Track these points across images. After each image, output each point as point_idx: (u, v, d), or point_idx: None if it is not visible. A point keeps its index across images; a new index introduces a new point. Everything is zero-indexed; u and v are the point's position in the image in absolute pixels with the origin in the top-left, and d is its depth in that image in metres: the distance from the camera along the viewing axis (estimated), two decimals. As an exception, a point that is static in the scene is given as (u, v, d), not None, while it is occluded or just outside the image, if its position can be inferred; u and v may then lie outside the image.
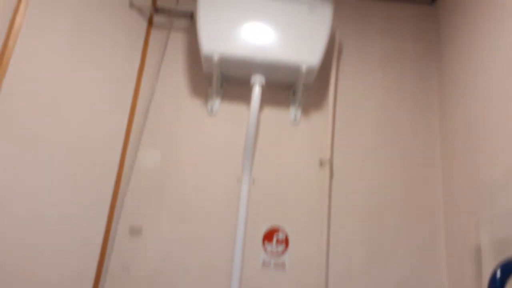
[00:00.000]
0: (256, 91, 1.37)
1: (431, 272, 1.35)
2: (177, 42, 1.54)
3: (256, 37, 1.35)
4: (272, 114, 1.49)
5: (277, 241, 1.35)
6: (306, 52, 1.36)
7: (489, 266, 1.09)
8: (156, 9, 1.49)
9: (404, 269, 1.35)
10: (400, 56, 1.59)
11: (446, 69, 1.50)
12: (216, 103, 1.47)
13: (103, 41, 1.35)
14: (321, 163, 1.44)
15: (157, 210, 1.35)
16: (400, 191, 1.43)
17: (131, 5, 1.45)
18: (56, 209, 1.18)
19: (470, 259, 1.21)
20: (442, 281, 1.34)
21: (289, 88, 1.51)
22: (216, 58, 1.33)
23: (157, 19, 1.55)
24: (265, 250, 1.34)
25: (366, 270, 1.34)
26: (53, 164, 1.17)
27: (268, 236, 1.35)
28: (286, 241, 1.35)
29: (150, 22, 1.53)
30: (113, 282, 1.26)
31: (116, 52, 1.39)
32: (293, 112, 1.49)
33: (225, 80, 1.49)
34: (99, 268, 1.25)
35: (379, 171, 1.45)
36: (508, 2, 1.16)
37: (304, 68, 1.35)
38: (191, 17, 1.51)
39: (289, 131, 1.48)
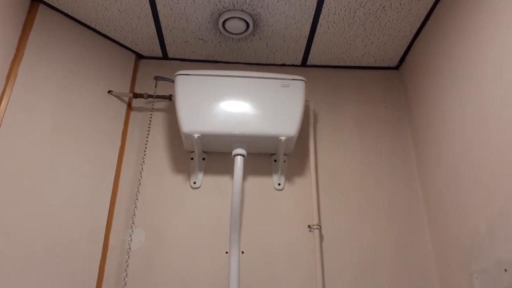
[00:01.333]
0: (239, 163, 1.40)
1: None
2: (157, 122, 1.59)
3: (234, 114, 1.40)
4: (256, 182, 1.51)
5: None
6: (283, 124, 1.42)
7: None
8: (135, 95, 1.56)
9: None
10: (373, 119, 1.67)
11: (418, 127, 1.57)
12: (199, 177, 1.49)
13: (84, 126, 1.39)
14: (310, 227, 1.44)
15: (146, 293, 1.30)
16: (389, 248, 1.43)
17: (110, 92, 1.52)
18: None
19: (469, 314, 1.18)
20: None
21: (270, 155, 1.56)
22: (196, 137, 1.37)
23: (136, 102, 1.62)
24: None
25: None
26: (36, 253, 1.15)
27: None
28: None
29: (130, 106, 1.59)
30: None
31: (97, 136, 1.43)
32: (277, 178, 1.52)
33: (206, 154, 1.53)
34: None
35: (367, 230, 1.46)
36: (461, 59, 1.27)
37: (283, 139, 1.40)
38: (169, 99, 1.58)
39: (274, 197, 1.49)
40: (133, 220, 1.39)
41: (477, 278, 1.14)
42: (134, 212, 1.41)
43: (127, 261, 1.33)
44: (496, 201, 1.07)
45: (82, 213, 1.31)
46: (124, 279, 1.29)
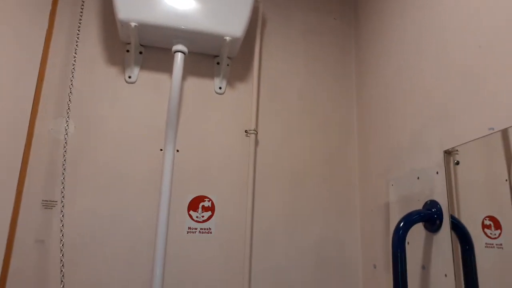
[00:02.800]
0: (178, 60, 1.33)
1: (347, 230, 1.47)
2: (90, 6, 1.44)
3: (177, 5, 1.30)
4: (196, 84, 1.47)
5: (203, 208, 1.36)
6: (229, 23, 1.34)
7: (396, 220, 1.20)
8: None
9: (323, 229, 1.45)
10: (321, 30, 1.65)
11: (363, 40, 1.59)
12: (135, 71, 1.41)
13: (5, 2, 1.22)
14: (247, 132, 1.46)
15: (74, 183, 1.27)
16: (320, 157, 1.52)
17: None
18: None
19: (380, 216, 1.33)
20: (356, 237, 1.46)
21: (214, 57, 1.50)
22: (133, 26, 1.26)
23: (68, -20, 1.44)
24: (191, 217, 1.34)
25: (289, 230, 1.42)
26: None
27: (194, 204, 1.36)
28: (212, 208, 1.37)
29: (60, -16, 1.41)
30: (27, 257, 1.18)
31: (20, 15, 1.27)
32: (218, 81, 1.48)
33: (144, 47, 1.43)
34: (9, 243, 1.16)
35: (302, 139, 1.52)
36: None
37: (227, 39, 1.34)
38: (106, -20, 1.42)
39: (214, 100, 1.47)
40: (65, 110, 1.31)
41: (392, 185, 1.26)
42: (65, 102, 1.32)
43: (56, 150, 1.27)
44: (420, 118, 1.14)
45: (2, 94, 1.20)
46: (52, 166, 1.25)
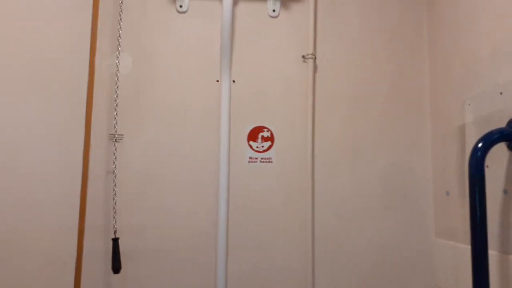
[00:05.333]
0: (228, -19, 1.25)
1: (416, 155, 1.37)
2: None
3: None
4: (248, 7, 1.38)
5: (262, 138, 1.34)
6: None
7: (473, 143, 1.08)
8: None
9: (390, 155, 1.37)
10: None
11: None
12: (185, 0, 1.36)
13: None
14: (304, 57, 1.37)
15: (136, 117, 1.31)
16: (386, 78, 1.40)
17: None
18: (26, 121, 1.15)
19: (454, 139, 1.21)
20: (427, 163, 1.36)
21: (265, -23, 1.39)
22: None
23: None
24: (251, 147, 1.34)
25: (353, 158, 1.36)
26: (16, 77, 1.11)
27: (253, 134, 1.34)
28: (271, 138, 1.34)
29: None
30: (98, 186, 1.27)
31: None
32: (271, 4, 1.38)
33: (193, -27, 1.36)
34: (84, 176, 1.25)
35: (364, 60, 1.40)
36: None
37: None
38: None
39: (268, 25, 1.39)
40: (121, 45, 1.32)
41: (469, 104, 1.12)
42: (120, 36, 1.32)
43: (116, 85, 1.30)
44: (504, 26, 0.97)
45: (61, 30, 1.22)
46: (115, 101, 1.29)
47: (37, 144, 1.17)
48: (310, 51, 1.36)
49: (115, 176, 1.26)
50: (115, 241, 1.21)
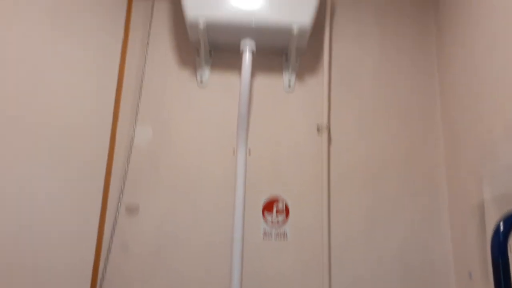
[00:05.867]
0: (247, 57, 1.32)
1: (434, 233, 1.34)
2: (161, 12, 1.48)
3: (243, 0, 1.28)
4: (265, 81, 1.44)
5: (277, 211, 1.33)
6: (296, 12, 1.31)
7: (493, 221, 1.07)
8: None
9: (407, 231, 1.34)
10: (396, 13, 1.53)
11: (445, 21, 1.44)
12: (206, 73, 1.42)
13: (83, 15, 1.29)
14: (319, 129, 1.40)
15: (153, 187, 1.32)
16: (400, 152, 1.40)
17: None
18: (46, 193, 1.16)
19: (473, 217, 1.19)
20: (446, 241, 1.33)
21: (282, 53, 1.46)
22: (201, 24, 1.27)
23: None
24: (266, 220, 1.32)
25: (368, 234, 1.33)
26: (39, 147, 1.14)
27: (268, 206, 1.33)
28: (286, 211, 1.33)
29: (131, -5, 1.46)
30: (114, 261, 1.25)
31: (98, 27, 1.33)
32: (287, 78, 1.44)
33: (213, 48, 1.43)
34: (98, 248, 1.24)
35: (378, 133, 1.42)
36: None
37: (295, 28, 1.29)
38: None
39: (283, 98, 1.43)
40: (143, 116, 1.37)
41: (486, 182, 1.12)
42: (143, 108, 1.37)
43: (133, 155, 1.33)
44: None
45: (86, 104, 1.27)
46: (127, 171, 1.31)
47: (53, 215, 1.17)
48: (325, 123, 1.39)
49: (128, 248, 1.25)
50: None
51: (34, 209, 1.13)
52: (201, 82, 1.42)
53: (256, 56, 1.43)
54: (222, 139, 1.38)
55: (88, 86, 1.29)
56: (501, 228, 0.90)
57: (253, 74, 1.43)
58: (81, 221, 1.22)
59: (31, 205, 1.13)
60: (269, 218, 1.33)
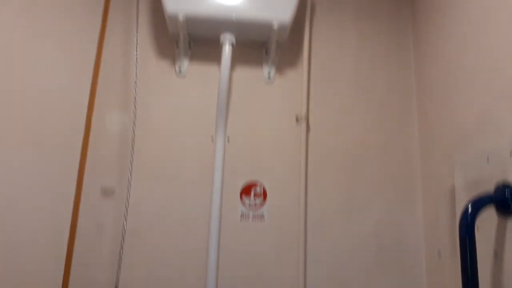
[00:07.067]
0: (226, 50, 1.33)
1: (407, 214, 1.38)
2: (139, 4, 1.48)
3: (223, -5, 1.30)
4: (244, 72, 1.46)
5: (255, 194, 1.35)
6: (277, 8, 1.32)
7: (462, 205, 1.10)
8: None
9: (382, 215, 1.38)
10: (374, 11, 1.57)
11: (421, 16, 1.49)
12: (185, 64, 1.43)
13: (60, 2, 1.29)
14: (297, 119, 1.43)
15: (129, 172, 1.32)
16: (377, 140, 1.44)
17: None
18: (21, 175, 1.15)
19: (445, 201, 1.23)
20: (418, 222, 1.37)
21: (262, 46, 1.48)
22: (181, 18, 1.28)
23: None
24: (243, 203, 1.34)
25: (345, 216, 1.36)
26: (11, 127, 1.13)
27: (246, 190, 1.35)
28: (264, 194, 1.35)
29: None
30: (87, 242, 1.25)
31: (76, 14, 1.33)
32: (267, 70, 1.46)
33: (192, 40, 1.45)
34: (72, 228, 1.24)
35: (356, 123, 1.45)
36: None
37: (275, 25, 1.31)
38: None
39: (263, 89, 1.45)
40: (120, 104, 1.37)
41: (458, 168, 1.16)
42: (119, 97, 1.37)
43: (112, 144, 1.33)
44: (489, 95, 1.04)
45: (61, 85, 1.26)
46: (108, 156, 1.31)
47: (27, 195, 1.16)
48: (304, 113, 1.42)
49: (103, 230, 1.25)
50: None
51: (8, 188, 1.12)
52: (180, 72, 1.42)
53: (236, 48, 1.43)
54: (201, 126, 1.39)
55: (64, 74, 1.29)
56: (469, 210, 0.94)
57: (232, 66, 1.45)
58: (55, 200, 1.21)
59: (3, 185, 1.12)
60: (246, 201, 1.34)
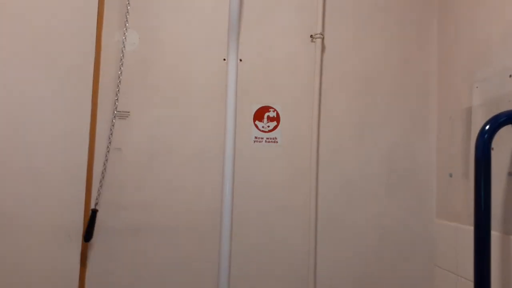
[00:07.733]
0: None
1: (421, 138, 1.38)
2: None
3: None
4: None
5: (268, 118, 1.34)
6: None
7: (478, 126, 1.09)
8: None
9: (395, 137, 1.37)
10: None
11: None
12: (194, -25, 1.34)
13: None
14: (312, 37, 1.36)
15: (143, 94, 1.31)
16: (394, 59, 1.39)
17: None
18: (35, 95, 1.15)
19: (461, 122, 1.21)
20: (432, 144, 1.37)
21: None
22: None
23: None
24: (257, 127, 1.34)
25: (358, 139, 1.36)
26: (23, 51, 1.11)
27: (259, 114, 1.34)
28: (277, 119, 1.34)
29: None
30: (107, 164, 1.27)
31: None
32: (280, -17, 1.37)
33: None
34: (91, 151, 1.26)
35: (373, 42, 1.39)
36: None
37: None
38: None
39: (277, 5, 1.37)
40: (126, 19, 1.30)
41: (477, 87, 1.12)
42: (127, 10, 1.30)
43: (121, 61, 1.29)
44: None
45: (68, 9, 1.21)
46: (120, 77, 1.29)
47: (44, 116, 1.17)
48: (319, 31, 1.35)
49: (121, 152, 1.27)
50: (94, 212, 1.23)
51: (25, 112, 1.13)
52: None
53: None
54: (212, 46, 1.34)
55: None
56: (487, 127, 0.92)
57: (244, -22, 1.35)
58: (73, 123, 1.22)
59: (21, 109, 1.12)
60: (260, 125, 1.34)
